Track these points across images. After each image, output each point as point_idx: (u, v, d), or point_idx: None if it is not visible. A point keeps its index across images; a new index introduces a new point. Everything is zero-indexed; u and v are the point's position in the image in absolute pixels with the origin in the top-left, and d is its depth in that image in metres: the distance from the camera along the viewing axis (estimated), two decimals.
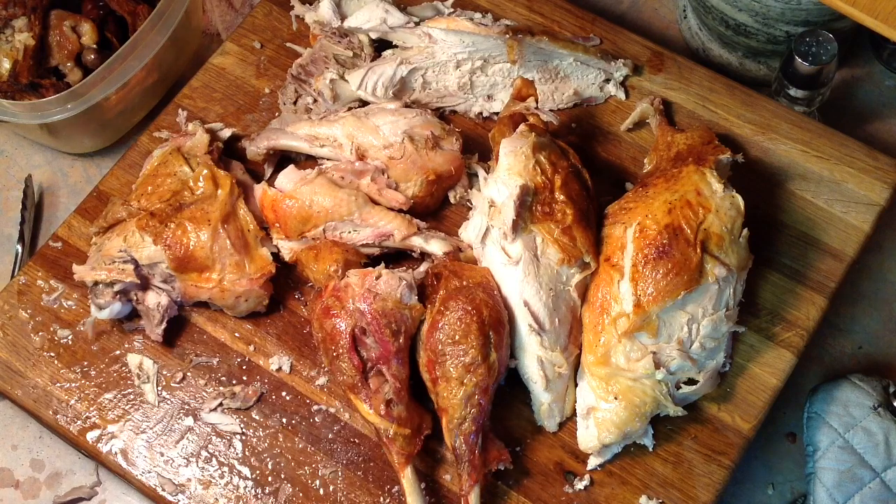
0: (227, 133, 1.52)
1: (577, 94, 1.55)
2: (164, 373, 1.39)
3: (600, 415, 1.29)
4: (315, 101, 1.54)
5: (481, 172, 1.43)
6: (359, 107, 1.53)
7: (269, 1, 1.65)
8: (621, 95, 1.55)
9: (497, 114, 1.53)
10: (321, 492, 1.32)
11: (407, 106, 1.49)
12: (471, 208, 1.44)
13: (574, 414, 1.34)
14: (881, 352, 1.49)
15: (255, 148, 1.49)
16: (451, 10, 1.58)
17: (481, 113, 1.55)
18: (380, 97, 1.52)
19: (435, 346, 1.28)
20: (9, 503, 1.41)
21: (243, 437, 1.35)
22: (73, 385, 1.39)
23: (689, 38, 1.71)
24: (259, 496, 1.32)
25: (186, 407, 1.37)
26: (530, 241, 1.32)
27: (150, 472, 1.34)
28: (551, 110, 1.51)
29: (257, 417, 1.36)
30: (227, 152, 1.52)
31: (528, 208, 1.32)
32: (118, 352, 1.40)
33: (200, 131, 1.48)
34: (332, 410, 1.35)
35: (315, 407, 1.36)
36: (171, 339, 1.40)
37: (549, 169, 1.34)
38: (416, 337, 1.31)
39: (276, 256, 1.41)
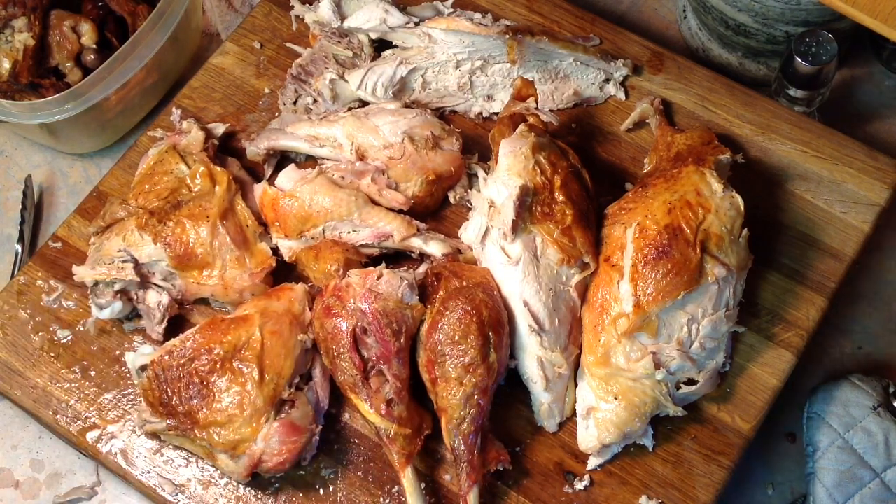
0: (220, 129, 1.51)
1: (576, 94, 1.55)
2: None
3: (600, 415, 1.29)
4: (315, 101, 1.54)
5: (481, 173, 1.43)
6: (359, 107, 1.53)
7: (269, 1, 1.65)
8: (621, 95, 1.55)
9: (497, 114, 1.53)
10: (321, 492, 1.32)
11: (407, 106, 1.49)
12: (471, 208, 1.44)
13: (574, 414, 1.33)
14: (881, 352, 1.49)
15: (256, 148, 1.49)
16: (451, 10, 1.58)
17: (481, 113, 1.55)
18: (380, 97, 1.52)
19: (434, 347, 1.28)
20: (9, 503, 1.41)
21: None
22: (73, 385, 1.39)
23: (689, 38, 1.71)
24: (259, 496, 1.32)
25: None
26: (530, 241, 1.32)
27: (149, 472, 1.34)
28: (551, 110, 1.51)
29: None
30: (224, 150, 1.52)
31: (528, 209, 1.32)
32: (118, 352, 1.40)
33: (195, 129, 1.48)
34: (332, 410, 1.35)
35: None
36: (171, 337, 1.40)
37: (548, 169, 1.34)
38: (416, 337, 1.31)
39: (276, 255, 1.41)
